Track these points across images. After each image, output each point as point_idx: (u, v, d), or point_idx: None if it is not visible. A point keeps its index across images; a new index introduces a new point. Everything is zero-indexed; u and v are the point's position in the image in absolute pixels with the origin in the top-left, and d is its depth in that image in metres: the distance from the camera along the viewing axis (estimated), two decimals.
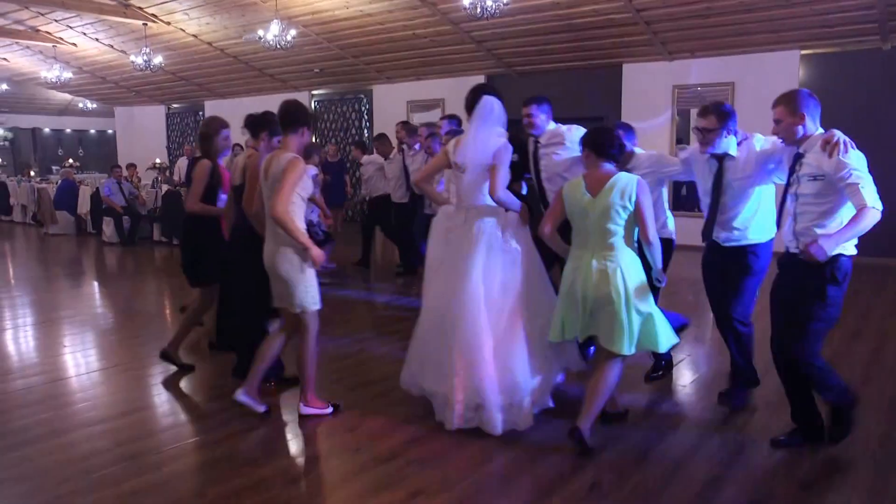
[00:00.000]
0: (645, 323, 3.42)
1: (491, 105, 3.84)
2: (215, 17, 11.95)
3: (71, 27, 13.38)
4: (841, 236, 3.12)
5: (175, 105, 18.25)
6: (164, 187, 12.28)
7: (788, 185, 3.43)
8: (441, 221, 4.07)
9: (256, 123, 4.36)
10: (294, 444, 3.75)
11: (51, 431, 3.79)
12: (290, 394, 4.34)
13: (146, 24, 12.36)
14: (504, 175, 3.75)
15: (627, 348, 3.38)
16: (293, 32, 10.73)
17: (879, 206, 3.08)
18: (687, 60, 10.38)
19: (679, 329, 4.22)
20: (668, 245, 4.23)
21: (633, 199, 3.35)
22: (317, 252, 3.69)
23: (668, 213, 4.52)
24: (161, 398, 4.43)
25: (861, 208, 3.08)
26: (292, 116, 3.83)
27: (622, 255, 3.40)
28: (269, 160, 3.83)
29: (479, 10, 8.45)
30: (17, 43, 14.68)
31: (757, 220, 3.93)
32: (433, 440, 3.64)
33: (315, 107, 15.07)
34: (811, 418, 3.55)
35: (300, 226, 3.68)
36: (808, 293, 3.29)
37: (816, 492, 3.14)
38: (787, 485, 3.19)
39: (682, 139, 10.71)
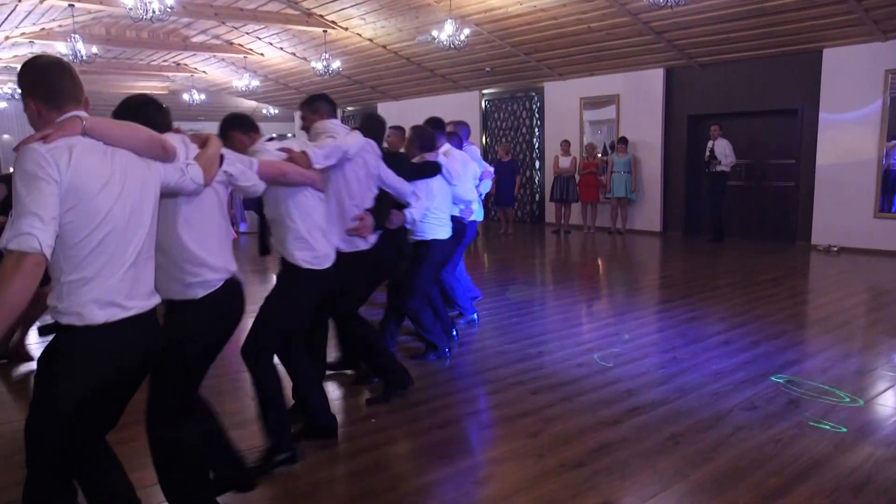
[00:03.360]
0: None
1: None
2: (390, 20, 12.27)
3: (259, 38, 14.36)
4: None
5: (349, 108, 19.04)
6: None
7: None
8: None
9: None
10: (475, 447, 3.59)
11: None
12: (468, 393, 4.21)
13: (326, 31, 12.96)
14: None
15: None
16: (466, 31, 10.74)
17: (27, 246, 1.77)
18: None
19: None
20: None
21: None
22: None
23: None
24: None
25: None
26: None
27: None
28: None
29: None
30: (214, 56, 16.04)
31: None
32: (623, 449, 3.36)
33: (485, 106, 15.09)
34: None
35: None
36: None
37: None
38: None
39: (894, 132, 9.48)
